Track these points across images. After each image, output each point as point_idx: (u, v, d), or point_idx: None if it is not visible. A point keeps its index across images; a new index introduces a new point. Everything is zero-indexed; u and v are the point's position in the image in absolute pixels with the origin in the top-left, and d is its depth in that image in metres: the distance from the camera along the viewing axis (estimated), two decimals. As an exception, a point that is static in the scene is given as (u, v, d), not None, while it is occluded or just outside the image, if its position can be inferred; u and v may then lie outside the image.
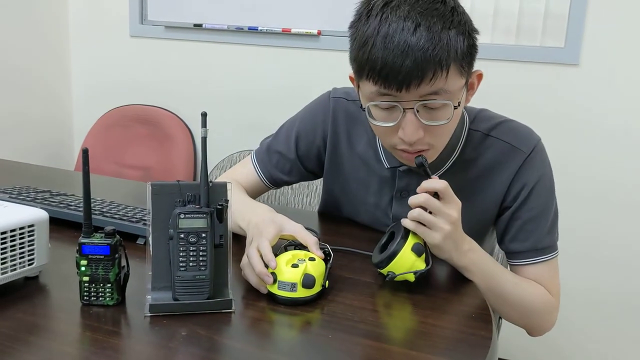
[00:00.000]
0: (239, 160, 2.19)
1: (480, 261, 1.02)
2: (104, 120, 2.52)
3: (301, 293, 0.90)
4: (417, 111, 0.95)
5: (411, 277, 0.94)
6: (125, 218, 1.15)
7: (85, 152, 0.84)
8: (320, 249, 0.98)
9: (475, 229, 1.10)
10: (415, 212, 0.95)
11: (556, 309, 1.11)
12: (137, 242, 1.11)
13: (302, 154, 1.25)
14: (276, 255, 0.95)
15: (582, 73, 1.99)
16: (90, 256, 0.85)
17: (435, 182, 0.95)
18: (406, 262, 0.94)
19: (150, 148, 2.44)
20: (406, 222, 0.96)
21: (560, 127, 2.04)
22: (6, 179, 1.50)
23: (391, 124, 0.97)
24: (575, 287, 2.09)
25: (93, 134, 2.51)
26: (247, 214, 1.04)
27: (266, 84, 2.38)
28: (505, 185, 1.09)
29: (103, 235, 0.86)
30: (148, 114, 2.48)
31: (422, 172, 0.99)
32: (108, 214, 1.16)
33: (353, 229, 1.25)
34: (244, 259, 0.96)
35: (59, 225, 1.15)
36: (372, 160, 1.17)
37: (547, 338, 2.10)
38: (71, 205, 1.20)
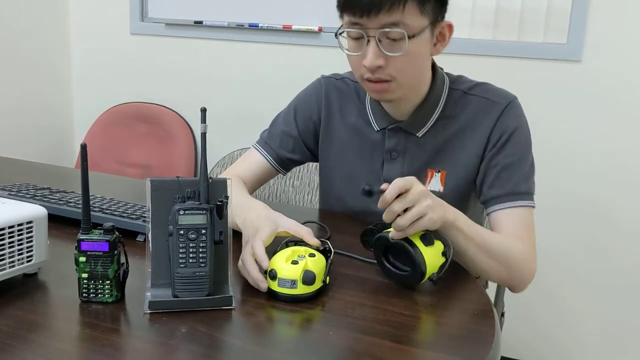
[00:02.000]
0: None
1: (463, 216, 1.03)
2: (104, 118, 2.51)
3: (301, 290, 0.89)
4: (379, 40, 1.06)
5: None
6: (125, 215, 1.14)
7: (83, 148, 0.83)
8: (321, 245, 0.97)
9: (461, 186, 1.19)
10: (401, 221, 0.92)
11: (534, 260, 1.12)
12: (136, 239, 1.11)
13: (302, 130, 1.32)
14: (276, 251, 0.94)
15: (585, 69, 1.98)
16: (89, 253, 0.85)
17: (390, 188, 0.91)
18: (434, 260, 0.92)
19: (151, 146, 2.43)
20: (397, 235, 0.93)
21: (562, 123, 2.03)
22: (6, 177, 1.50)
23: (359, 53, 1.09)
24: (579, 280, 2.08)
25: (93, 132, 2.51)
26: (243, 211, 1.05)
27: (267, 81, 2.37)
28: (485, 136, 1.17)
29: (102, 231, 0.86)
30: (148, 111, 2.47)
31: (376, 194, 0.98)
32: (107, 211, 1.16)
33: (353, 225, 1.24)
34: (240, 260, 0.96)
35: (58, 222, 1.14)
36: (362, 127, 1.26)
37: (548, 335, 2.08)
38: (70, 203, 1.20)
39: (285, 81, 2.34)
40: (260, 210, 1.05)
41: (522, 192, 1.15)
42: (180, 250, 0.85)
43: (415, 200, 0.92)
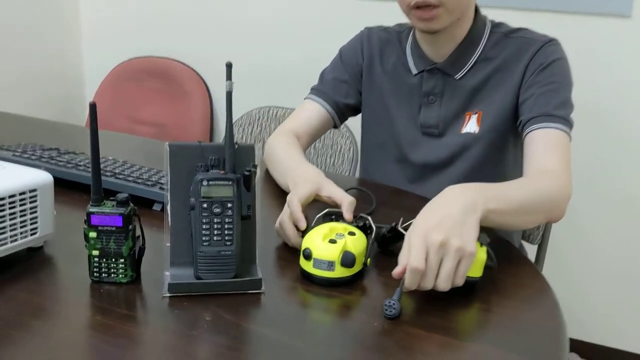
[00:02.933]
0: (259, 118, 2.06)
1: (487, 191, 0.87)
2: (115, 73, 2.39)
3: (340, 272, 0.79)
4: None
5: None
6: (139, 181, 1.04)
7: (93, 108, 0.72)
8: (360, 221, 0.87)
9: (497, 125, 1.16)
10: (443, 284, 0.75)
11: (569, 184, 1.02)
12: (153, 208, 1.01)
13: (351, 74, 1.30)
14: (311, 227, 0.84)
15: (634, 25, 1.82)
16: (100, 228, 0.74)
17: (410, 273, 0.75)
18: (477, 260, 0.79)
19: (164, 103, 2.31)
20: (445, 286, 0.76)
21: (609, 81, 1.88)
22: (12, 135, 1.39)
23: None
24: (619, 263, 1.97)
25: (104, 87, 2.39)
26: (292, 172, 1.05)
27: (291, 33, 2.22)
28: (523, 70, 1.14)
29: (115, 203, 0.75)
30: (162, 66, 2.34)
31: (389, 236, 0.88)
32: (120, 176, 1.05)
33: (396, 197, 1.14)
34: (278, 221, 0.90)
35: (66, 187, 1.04)
36: (400, 71, 1.24)
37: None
38: (80, 166, 1.09)
39: (312, 33, 2.20)
40: (306, 170, 1.03)
41: (559, 115, 1.08)
42: (204, 227, 0.75)
43: (440, 254, 0.75)
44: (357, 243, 0.81)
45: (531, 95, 1.12)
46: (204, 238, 0.75)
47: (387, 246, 0.91)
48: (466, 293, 0.79)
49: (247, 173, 0.76)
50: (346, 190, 1.03)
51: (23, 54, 2.30)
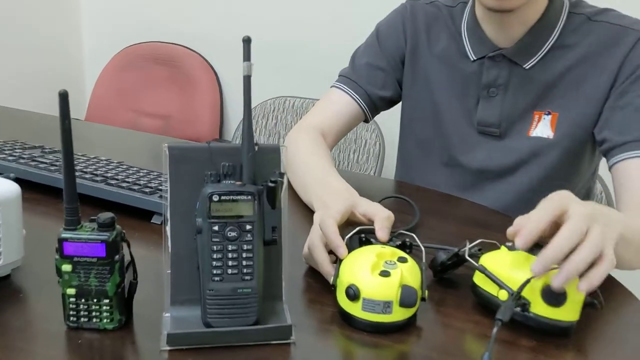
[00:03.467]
0: (275, 109, 1.87)
1: (623, 218, 0.70)
2: (116, 61, 2.20)
3: (398, 315, 0.60)
4: None
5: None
6: (136, 187, 0.85)
7: (63, 98, 0.53)
8: (398, 240, 0.68)
9: (576, 134, 0.96)
10: (572, 268, 0.58)
11: None
12: (152, 220, 0.82)
13: (390, 59, 1.09)
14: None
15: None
16: (76, 259, 0.56)
17: (539, 214, 0.62)
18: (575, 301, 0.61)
19: (170, 93, 2.13)
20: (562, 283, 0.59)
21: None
22: (-6, 130, 1.21)
23: None
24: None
25: (105, 76, 2.20)
26: (320, 186, 0.85)
27: (311, 11, 2.01)
28: (614, 70, 0.93)
29: (96, 226, 0.57)
30: (167, 53, 2.15)
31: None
32: (113, 181, 0.87)
33: (449, 206, 0.95)
34: (307, 245, 0.70)
35: (48, 194, 0.86)
36: (454, 56, 1.03)
37: None
38: (84, 172, 0.91)
39: (329, 16, 1.99)
40: (336, 184, 0.83)
41: None
42: (215, 256, 0.56)
43: (580, 230, 0.59)
44: (412, 272, 0.62)
45: (624, 107, 0.91)
46: (214, 271, 0.57)
47: (442, 274, 0.72)
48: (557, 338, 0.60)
49: (271, 184, 0.58)
50: (381, 201, 0.85)
51: (18, 39, 2.11)
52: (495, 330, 0.55)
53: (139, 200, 0.83)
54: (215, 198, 0.56)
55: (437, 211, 0.93)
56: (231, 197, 0.56)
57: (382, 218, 0.69)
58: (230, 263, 0.57)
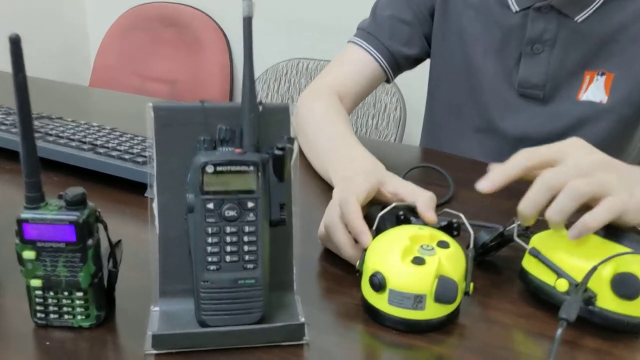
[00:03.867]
0: (287, 72, 1.75)
1: None
2: (120, 23, 2.08)
3: (433, 311, 0.49)
4: None
5: None
6: (127, 157, 0.75)
7: (14, 43, 0.42)
8: (444, 220, 0.57)
9: (635, 98, 0.84)
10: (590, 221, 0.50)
11: None
12: (145, 194, 0.72)
13: (417, 11, 0.96)
14: (374, 231, 0.54)
15: None
16: (40, 244, 0.46)
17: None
18: None
19: (178, 56, 2.01)
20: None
21: None
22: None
23: None
24: None
25: (109, 39, 2.09)
26: (339, 157, 0.73)
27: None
28: None
29: (64, 204, 0.46)
30: (173, 13, 2.03)
31: None
32: (102, 149, 0.76)
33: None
34: (323, 225, 0.59)
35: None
36: (493, 6, 0.90)
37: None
38: (50, 135, 0.81)
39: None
40: (360, 156, 0.71)
41: None
42: (210, 240, 0.46)
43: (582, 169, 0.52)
44: (454, 261, 0.51)
45: None
46: (210, 259, 0.46)
47: (483, 256, 0.61)
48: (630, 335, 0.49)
49: (278, 152, 0.47)
50: (408, 171, 0.74)
51: (14, 2, 2.00)
52: (559, 332, 0.45)
53: (130, 172, 0.72)
54: (210, 169, 0.45)
55: (469, 182, 0.81)
56: (229, 167, 0.46)
57: (426, 198, 0.58)
58: (228, 249, 0.46)
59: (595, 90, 0.86)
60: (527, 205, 0.52)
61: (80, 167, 0.75)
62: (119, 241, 0.53)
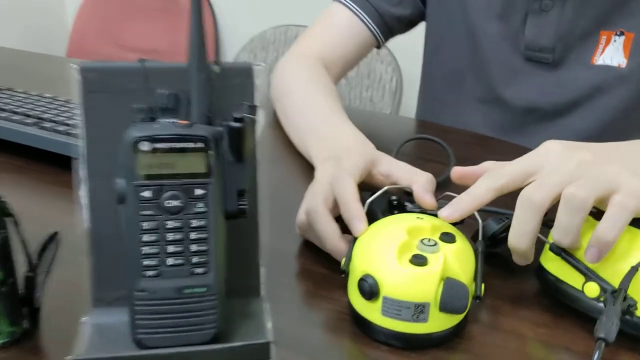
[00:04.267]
0: (275, 40, 1.63)
1: None
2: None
3: (437, 323, 0.39)
4: None
5: None
6: (62, 129, 0.64)
7: None
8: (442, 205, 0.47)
9: None
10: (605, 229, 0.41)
11: None
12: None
13: None
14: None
15: None
16: None
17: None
18: None
19: (159, 25, 1.89)
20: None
21: None
22: None
23: None
24: None
25: (87, 6, 1.97)
26: (324, 133, 0.63)
27: None
28: None
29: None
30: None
31: None
32: (48, 123, 0.65)
33: (489, 150, 0.74)
34: (303, 211, 0.50)
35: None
36: None
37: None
38: (3, 111, 0.70)
39: None
40: (348, 133, 0.61)
41: None
42: (145, 238, 0.36)
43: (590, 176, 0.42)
44: (462, 258, 0.41)
45: None
46: (146, 262, 0.36)
47: (491, 249, 0.51)
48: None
49: (235, 125, 0.36)
50: (402, 145, 0.64)
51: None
52: (596, 355, 0.35)
53: (55, 143, 0.62)
54: (145, 146, 0.35)
55: (470, 157, 0.71)
56: (171, 144, 0.35)
57: (424, 180, 0.49)
58: (170, 249, 0.36)
59: (612, 53, 0.75)
60: (518, 239, 0.43)
61: (13, 143, 0.65)
62: (55, 234, 0.43)
